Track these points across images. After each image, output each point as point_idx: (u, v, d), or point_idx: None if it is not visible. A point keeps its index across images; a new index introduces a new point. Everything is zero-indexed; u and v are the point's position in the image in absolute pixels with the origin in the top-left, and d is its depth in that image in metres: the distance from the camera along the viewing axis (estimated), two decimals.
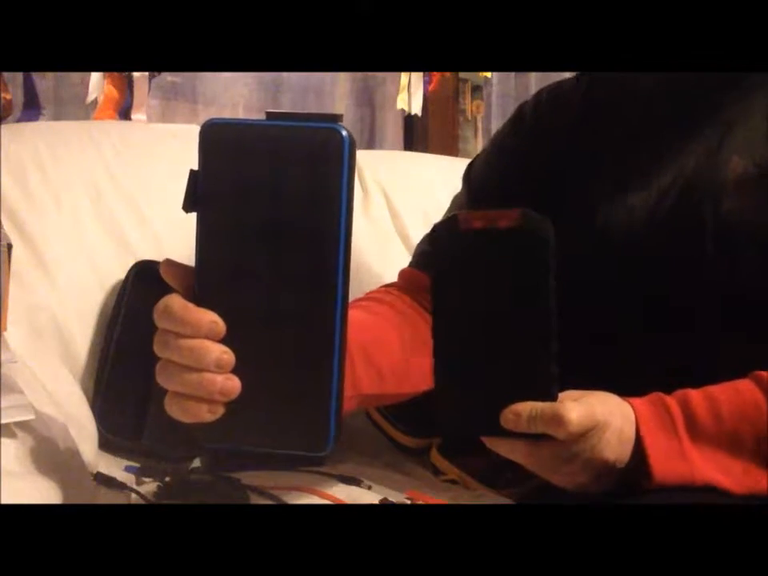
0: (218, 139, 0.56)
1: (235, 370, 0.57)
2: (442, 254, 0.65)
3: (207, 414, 0.57)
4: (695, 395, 0.71)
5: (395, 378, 0.85)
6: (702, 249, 0.78)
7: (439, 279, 0.65)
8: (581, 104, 0.90)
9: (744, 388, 0.71)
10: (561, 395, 0.65)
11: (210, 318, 0.57)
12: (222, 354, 0.57)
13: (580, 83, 0.92)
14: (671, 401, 0.70)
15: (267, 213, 0.56)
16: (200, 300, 0.57)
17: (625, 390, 0.70)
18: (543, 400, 0.64)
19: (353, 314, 0.85)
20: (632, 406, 0.69)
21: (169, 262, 0.59)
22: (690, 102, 0.83)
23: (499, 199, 0.92)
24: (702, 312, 0.78)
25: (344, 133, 0.55)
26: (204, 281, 0.57)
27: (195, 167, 0.56)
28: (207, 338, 0.57)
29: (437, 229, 0.65)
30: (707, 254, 0.78)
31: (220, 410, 0.57)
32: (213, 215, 0.56)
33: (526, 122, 0.96)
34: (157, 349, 0.59)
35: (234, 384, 0.57)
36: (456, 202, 1.02)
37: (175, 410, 0.59)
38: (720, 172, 0.79)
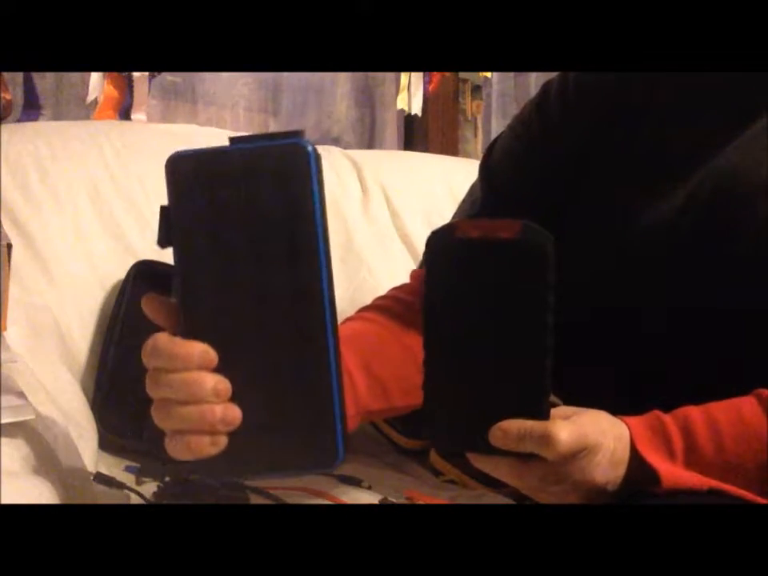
0: (186, 171, 0.56)
1: (233, 398, 0.56)
2: (436, 263, 0.63)
3: (211, 447, 0.56)
4: (697, 420, 0.67)
5: (401, 390, 0.83)
6: (736, 253, 0.74)
7: (432, 289, 0.63)
8: (610, 102, 0.86)
9: (748, 411, 0.67)
10: (552, 411, 0.63)
11: (201, 348, 0.56)
12: (218, 383, 0.56)
13: (609, 79, 0.86)
14: (671, 426, 0.67)
15: (244, 237, 0.55)
16: (187, 332, 0.57)
17: (629, 402, 0.68)
18: (534, 418, 0.61)
19: (355, 327, 0.85)
20: (627, 426, 0.66)
21: (150, 299, 0.58)
22: (721, 103, 0.80)
23: (517, 190, 0.89)
24: (731, 320, 0.74)
25: (307, 146, 0.55)
26: (189, 312, 0.57)
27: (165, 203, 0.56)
28: (200, 368, 0.56)
29: (432, 236, 0.63)
30: (741, 259, 0.74)
31: (223, 442, 0.56)
32: (190, 247, 0.56)
33: (550, 109, 0.90)
34: (150, 389, 0.57)
35: (234, 412, 0.56)
36: (472, 191, 0.98)
37: (178, 449, 0.57)
38: (755, 174, 0.75)
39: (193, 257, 0.56)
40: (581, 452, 0.62)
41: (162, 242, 0.57)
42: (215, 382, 0.56)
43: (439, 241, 0.62)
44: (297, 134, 0.55)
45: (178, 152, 0.56)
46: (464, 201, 0.99)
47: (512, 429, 0.61)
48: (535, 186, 0.87)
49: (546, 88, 0.92)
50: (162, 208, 0.56)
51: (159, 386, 0.57)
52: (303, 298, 0.56)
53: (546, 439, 0.61)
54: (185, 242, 0.56)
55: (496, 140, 0.97)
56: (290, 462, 0.57)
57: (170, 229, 0.56)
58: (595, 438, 0.63)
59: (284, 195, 0.55)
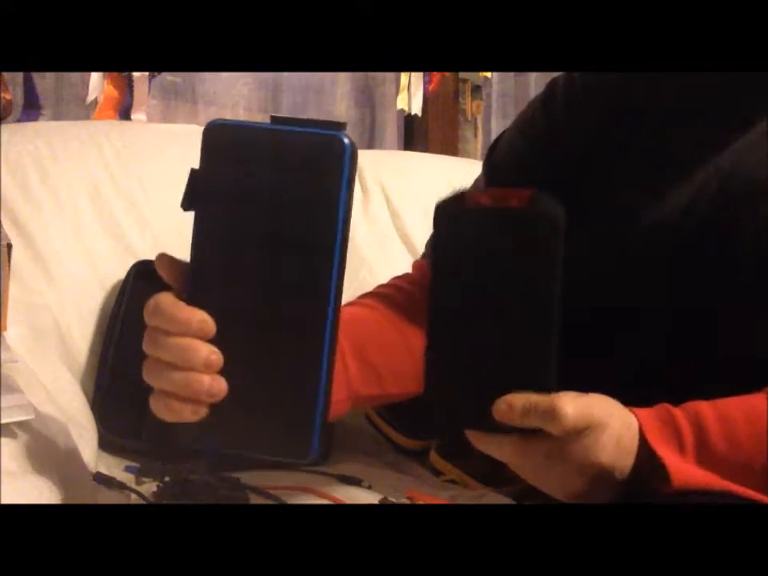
0: (221, 140, 0.56)
1: (222, 372, 0.57)
2: (444, 231, 0.61)
3: (191, 415, 0.57)
4: (709, 415, 0.66)
5: (395, 377, 0.83)
6: (739, 254, 0.74)
7: (438, 258, 0.62)
8: (614, 102, 0.86)
9: (760, 407, 0.67)
10: (560, 393, 0.62)
11: (200, 317, 0.56)
12: (211, 354, 0.56)
13: (614, 79, 0.87)
14: (682, 419, 0.66)
15: (265, 216, 0.56)
16: (192, 299, 0.57)
17: (633, 400, 0.67)
18: (540, 392, 0.60)
19: (353, 312, 0.85)
20: (636, 417, 0.66)
21: (164, 257, 0.59)
22: (724, 103, 0.80)
23: (520, 186, 0.90)
24: (733, 320, 0.74)
25: (346, 141, 0.55)
26: (197, 280, 0.57)
27: (196, 166, 0.57)
28: (196, 337, 0.56)
29: (441, 205, 0.61)
30: (744, 259, 0.74)
31: (203, 411, 0.57)
32: (210, 215, 0.56)
33: (556, 108, 0.90)
34: (146, 346, 0.58)
35: (220, 385, 0.56)
36: (476, 185, 0.97)
37: (159, 408, 0.58)
38: (758, 175, 0.75)
39: (211, 226, 0.56)
40: (586, 429, 0.62)
41: (185, 205, 0.57)
42: (208, 353, 0.56)
43: (448, 209, 0.61)
44: (339, 125, 0.55)
45: (218, 119, 0.56)
46: None
47: (517, 402, 0.60)
48: (538, 185, 0.87)
49: (552, 86, 0.92)
50: (192, 171, 0.56)
51: (154, 346, 0.57)
52: (310, 291, 0.56)
53: (552, 413, 0.60)
54: (206, 209, 0.56)
55: (500, 137, 0.97)
56: (263, 446, 0.58)
57: (194, 193, 0.56)
58: (601, 416, 0.63)
59: (312, 185, 0.55)
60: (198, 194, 0.56)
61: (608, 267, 0.82)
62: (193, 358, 0.56)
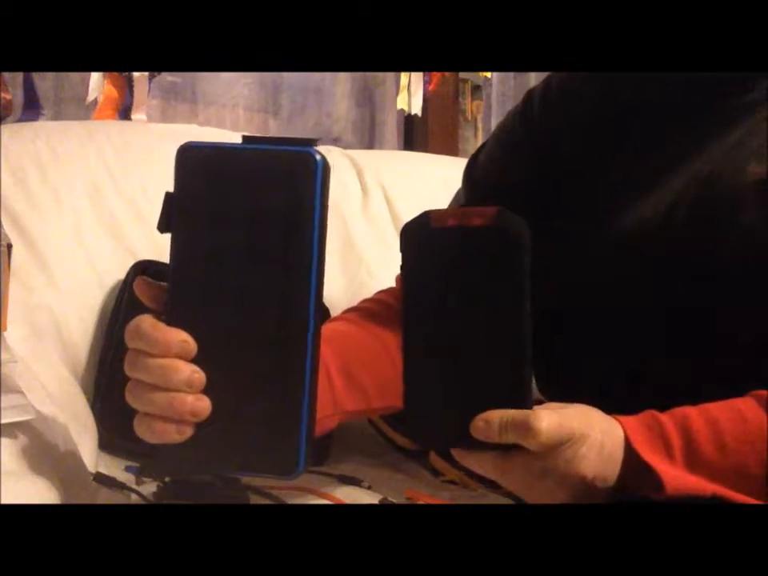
0: (194, 162, 0.56)
1: (205, 391, 0.57)
2: (412, 252, 0.62)
3: (175, 435, 0.57)
4: (696, 420, 0.66)
5: (381, 391, 0.83)
6: (721, 258, 0.74)
7: (409, 279, 0.62)
8: (595, 103, 0.86)
9: (747, 410, 0.66)
10: (541, 406, 0.62)
11: (181, 338, 0.56)
12: (193, 373, 0.56)
13: (595, 80, 0.87)
14: (669, 425, 0.66)
15: (241, 235, 0.56)
16: (172, 320, 0.57)
17: (625, 403, 0.67)
18: (516, 408, 0.60)
19: (337, 327, 0.86)
20: (621, 425, 0.65)
21: (142, 281, 0.59)
22: (705, 106, 0.80)
23: (501, 196, 0.90)
24: (717, 321, 0.74)
25: (317, 157, 0.55)
26: (177, 300, 0.57)
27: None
28: (178, 357, 0.56)
29: (407, 227, 0.62)
30: (726, 263, 0.74)
31: (188, 432, 0.57)
32: (187, 236, 0.57)
33: (533, 114, 0.90)
34: (127, 368, 0.58)
35: (204, 404, 0.56)
36: (456, 199, 0.98)
37: (143, 430, 0.58)
38: (738, 178, 0.75)
39: (188, 247, 0.57)
40: (564, 442, 0.62)
41: (161, 228, 0.57)
42: (190, 372, 0.56)
43: (414, 231, 0.62)
44: (311, 142, 0.56)
45: (189, 142, 0.57)
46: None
47: (494, 419, 0.61)
48: (520, 191, 0.87)
49: (528, 95, 0.93)
50: (167, 194, 0.57)
51: (135, 368, 0.58)
52: (289, 307, 0.56)
53: (527, 428, 0.60)
54: (182, 231, 0.57)
55: (479, 149, 0.98)
56: (249, 463, 0.58)
57: (170, 215, 0.57)
58: (580, 428, 0.62)
59: (286, 202, 0.55)
60: (174, 215, 0.57)
61: (591, 270, 0.82)
62: (175, 378, 0.56)
